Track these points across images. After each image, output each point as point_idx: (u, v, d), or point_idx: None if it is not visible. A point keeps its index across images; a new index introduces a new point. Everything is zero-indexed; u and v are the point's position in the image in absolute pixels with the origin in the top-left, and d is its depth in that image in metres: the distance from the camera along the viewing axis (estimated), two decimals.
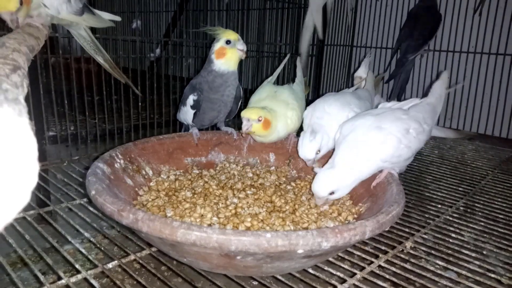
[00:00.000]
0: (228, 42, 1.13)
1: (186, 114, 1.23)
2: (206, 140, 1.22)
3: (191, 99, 1.20)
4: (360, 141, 0.91)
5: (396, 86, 1.90)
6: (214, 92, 1.17)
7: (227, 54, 1.14)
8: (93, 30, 1.19)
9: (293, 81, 1.39)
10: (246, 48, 1.15)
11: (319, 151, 1.03)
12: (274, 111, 1.11)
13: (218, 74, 1.15)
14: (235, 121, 1.82)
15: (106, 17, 1.18)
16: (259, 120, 1.06)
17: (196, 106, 1.20)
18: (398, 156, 0.91)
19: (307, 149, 1.03)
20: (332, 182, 0.89)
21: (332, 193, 0.90)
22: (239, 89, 1.23)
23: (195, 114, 1.22)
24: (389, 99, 2.01)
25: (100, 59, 1.21)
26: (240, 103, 1.28)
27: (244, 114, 1.06)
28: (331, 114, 1.06)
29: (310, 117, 1.10)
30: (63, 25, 1.11)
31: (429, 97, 1.08)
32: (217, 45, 1.15)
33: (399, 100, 1.95)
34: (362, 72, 1.50)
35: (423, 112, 0.99)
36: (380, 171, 0.94)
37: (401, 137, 0.91)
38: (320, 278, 0.77)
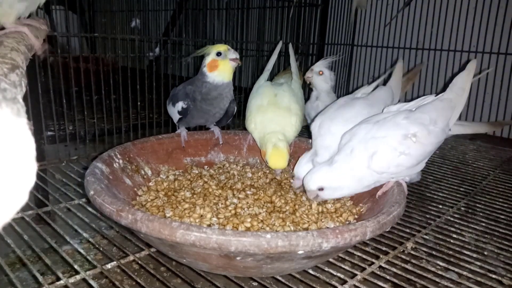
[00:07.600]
0: (219, 54, 1.10)
1: (173, 114, 1.23)
2: (205, 139, 1.21)
3: (180, 105, 1.18)
4: (356, 150, 0.89)
5: None
6: (207, 104, 1.15)
7: (220, 66, 1.11)
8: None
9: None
10: (238, 55, 1.12)
11: None
12: (284, 135, 1.10)
13: (213, 86, 1.13)
14: (235, 122, 1.83)
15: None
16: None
17: (183, 113, 1.18)
18: (397, 165, 0.86)
19: (301, 168, 1.01)
20: (324, 179, 0.89)
21: (321, 189, 0.90)
22: (233, 105, 1.21)
23: (180, 119, 1.21)
24: None
25: None
26: (230, 119, 1.28)
27: (279, 166, 1.06)
28: (335, 135, 0.99)
29: (316, 132, 1.06)
30: None
31: (446, 92, 0.95)
32: (208, 58, 1.12)
33: None
34: (320, 66, 1.41)
35: (431, 112, 0.90)
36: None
37: (396, 145, 0.86)
38: (321, 279, 0.77)
